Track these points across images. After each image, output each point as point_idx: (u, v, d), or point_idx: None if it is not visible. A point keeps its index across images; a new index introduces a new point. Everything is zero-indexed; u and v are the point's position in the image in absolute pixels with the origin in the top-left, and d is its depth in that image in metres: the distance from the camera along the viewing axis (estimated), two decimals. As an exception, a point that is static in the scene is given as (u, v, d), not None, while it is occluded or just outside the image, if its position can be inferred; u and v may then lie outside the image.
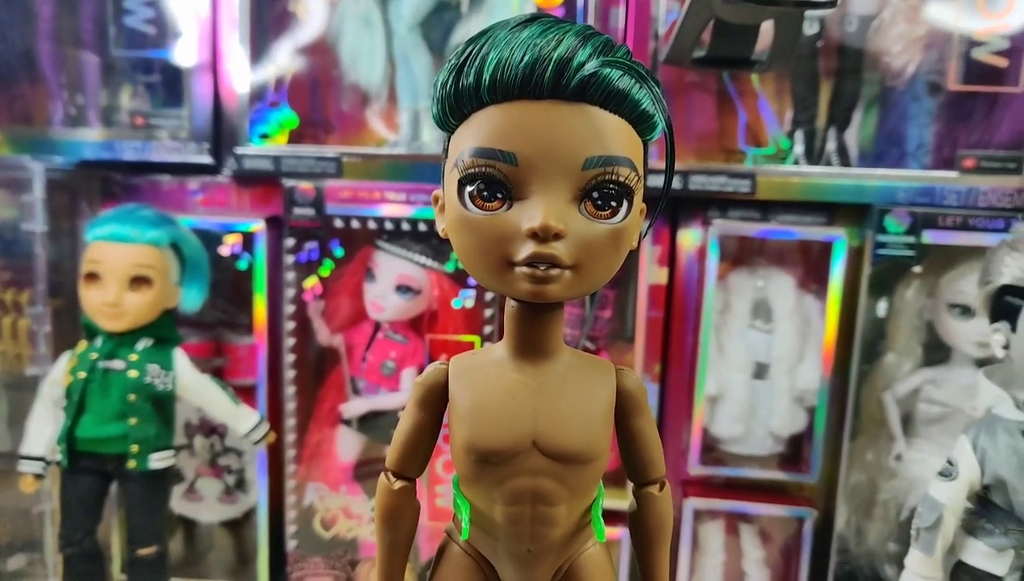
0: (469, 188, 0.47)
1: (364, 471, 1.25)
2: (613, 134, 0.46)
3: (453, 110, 0.48)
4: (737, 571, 1.20)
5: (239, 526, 1.31)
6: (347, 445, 1.24)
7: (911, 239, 1.07)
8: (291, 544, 1.22)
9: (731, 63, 0.83)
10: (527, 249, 0.46)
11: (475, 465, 0.52)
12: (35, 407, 1.05)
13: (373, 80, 1.19)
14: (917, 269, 1.09)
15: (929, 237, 1.07)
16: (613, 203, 0.46)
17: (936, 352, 1.14)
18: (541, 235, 0.45)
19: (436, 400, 0.54)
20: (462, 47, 0.47)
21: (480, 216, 0.47)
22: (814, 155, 1.13)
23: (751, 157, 1.12)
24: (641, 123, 0.47)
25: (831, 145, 1.13)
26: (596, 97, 0.45)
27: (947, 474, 0.81)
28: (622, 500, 1.15)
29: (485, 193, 0.47)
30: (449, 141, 0.50)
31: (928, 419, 1.13)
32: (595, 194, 0.46)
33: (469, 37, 0.47)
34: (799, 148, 1.13)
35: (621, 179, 0.46)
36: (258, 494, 1.22)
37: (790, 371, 1.13)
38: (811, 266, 1.16)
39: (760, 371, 1.14)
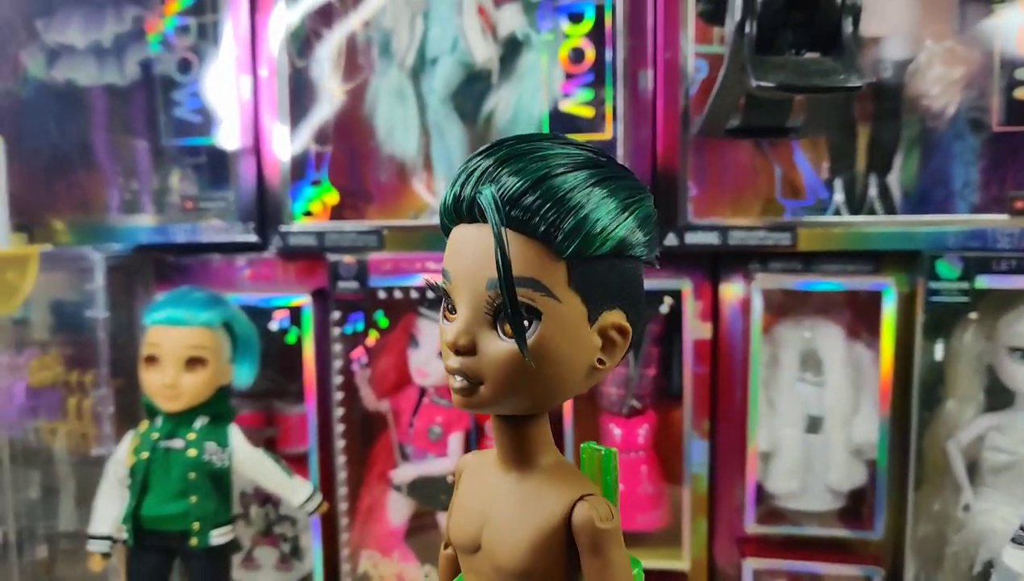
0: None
1: (415, 534, 1.25)
2: (518, 257, 0.46)
3: (444, 225, 0.52)
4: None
5: (297, 593, 1.33)
6: (398, 509, 1.26)
7: (964, 285, 1.04)
8: (348, 612, 1.23)
9: (766, 132, 0.83)
10: (450, 361, 0.50)
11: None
12: (101, 487, 1.09)
13: (409, 151, 1.22)
14: (973, 315, 1.05)
15: (984, 282, 1.04)
16: (519, 322, 0.47)
17: (999, 397, 1.09)
18: (453, 349, 0.49)
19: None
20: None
21: (441, 325, 0.51)
22: (855, 202, 1.11)
23: (790, 209, 1.10)
24: (552, 241, 0.46)
25: (873, 191, 1.11)
26: (502, 221, 0.47)
27: (1021, 541, 0.77)
28: (678, 560, 1.13)
29: (447, 305, 0.51)
30: None
31: (995, 467, 1.09)
32: (501, 314, 0.48)
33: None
34: (839, 196, 1.11)
35: (523, 301, 0.47)
36: (313, 561, 1.24)
37: (845, 423, 1.10)
38: (859, 315, 1.13)
39: (813, 424, 1.11)
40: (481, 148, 0.49)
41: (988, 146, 1.09)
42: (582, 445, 0.55)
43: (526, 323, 0.47)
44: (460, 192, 0.48)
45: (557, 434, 1.16)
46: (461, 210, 0.48)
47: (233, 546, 1.14)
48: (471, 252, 0.48)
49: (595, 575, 0.49)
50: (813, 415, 1.11)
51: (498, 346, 0.48)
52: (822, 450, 1.10)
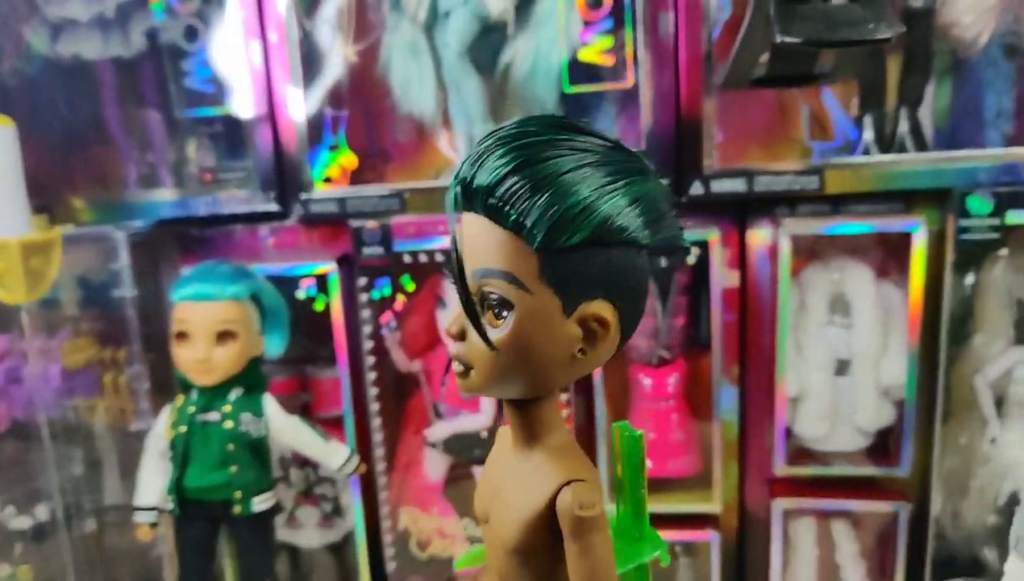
0: None
1: (453, 487, 1.28)
2: (493, 247, 0.47)
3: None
4: (831, 565, 1.19)
5: (340, 549, 1.37)
6: (434, 465, 1.28)
7: (996, 221, 1.02)
8: (390, 566, 1.27)
9: (793, 81, 0.80)
10: (449, 346, 0.52)
11: None
12: (143, 460, 1.12)
13: (427, 108, 1.19)
14: (1004, 252, 1.04)
15: (1015, 217, 1.02)
16: (498, 312, 0.48)
17: (1029, 330, 1.09)
18: (450, 335, 0.51)
19: None
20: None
21: None
22: (885, 140, 1.09)
23: (818, 151, 1.08)
24: (521, 232, 0.46)
25: (903, 126, 1.09)
26: (482, 210, 0.47)
27: None
28: (709, 503, 1.16)
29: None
30: None
31: (1022, 401, 1.09)
32: (486, 303, 0.49)
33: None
34: (868, 134, 1.08)
35: (493, 292, 0.48)
36: (354, 519, 1.27)
37: (874, 365, 1.11)
38: (889, 254, 1.12)
39: (842, 368, 1.11)
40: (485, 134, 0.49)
41: (1022, 73, 1.05)
42: (614, 424, 0.57)
43: (503, 314, 0.48)
44: (455, 180, 0.48)
45: (587, 385, 1.17)
46: (458, 198, 0.49)
47: (275, 510, 1.17)
48: (466, 240, 0.48)
49: (573, 559, 0.50)
50: (842, 358, 1.11)
51: (473, 335, 0.49)
52: (850, 393, 1.11)
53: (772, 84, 0.81)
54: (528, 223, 0.46)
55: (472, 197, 0.47)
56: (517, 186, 0.46)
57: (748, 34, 0.72)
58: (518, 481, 0.53)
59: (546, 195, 0.46)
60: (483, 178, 0.46)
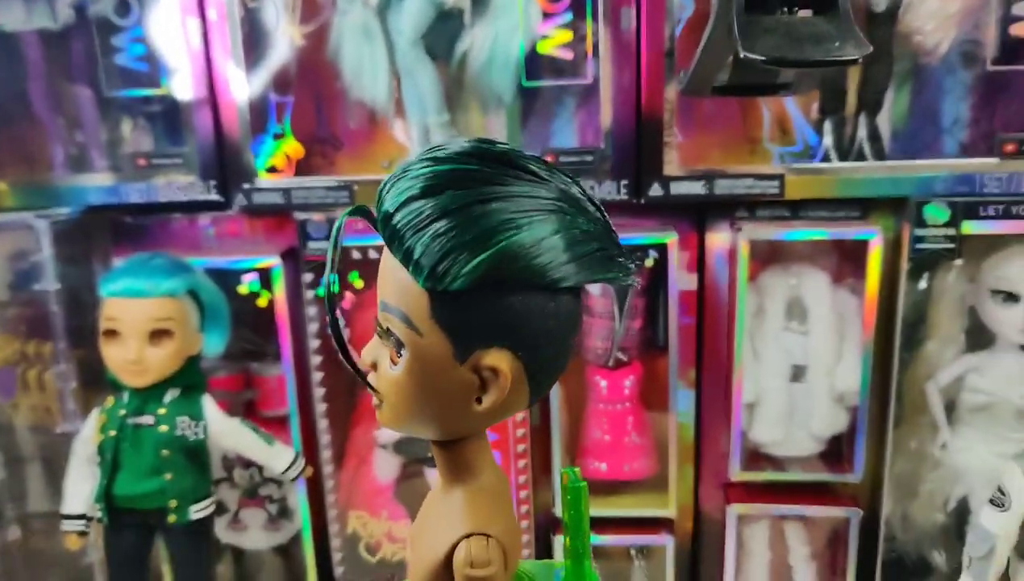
0: None
1: (404, 490, 1.25)
2: (392, 280, 0.45)
3: None
4: (784, 566, 1.20)
5: (287, 551, 1.33)
6: (385, 466, 1.24)
7: (951, 231, 1.02)
8: (338, 571, 1.23)
9: (756, 90, 0.78)
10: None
11: None
12: (70, 466, 1.05)
13: (379, 95, 1.14)
14: (958, 262, 1.04)
15: (970, 227, 1.02)
16: (398, 350, 0.45)
17: (979, 337, 1.10)
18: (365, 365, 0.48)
19: None
20: None
21: None
22: (844, 145, 1.08)
23: (778, 155, 1.07)
24: (408, 270, 0.43)
25: (862, 132, 1.08)
26: (384, 237, 0.44)
27: (999, 504, 0.79)
28: (664, 506, 1.15)
29: None
30: None
31: (973, 407, 1.10)
32: (391, 338, 0.46)
33: None
34: (828, 139, 1.07)
35: (389, 329, 0.45)
36: (301, 523, 1.22)
37: (828, 372, 1.10)
38: (844, 260, 1.12)
39: (797, 374, 1.11)
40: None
41: (980, 83, 1.05)
42: (563, 470, 0.55)
43: (401, 352, 0.45)
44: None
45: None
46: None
47: (213, 518, 1.11)
48: (381, 267, 0.46)
49: None
50: (797, 364, 1.11)
51: (383, 368, 0.46)
52: (805, 399, 1.11)
53: (735, 93, 0.78)
54: (415, 257, 0.42)
55: (380, 221, 0.44)
56: (413, 215, 0.42)
57: (710, 43, 0.69)
58: (431, 522, 0.51)
59: (439, 226, 0.41)
60: (387, 202, 0.43)
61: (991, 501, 0.80)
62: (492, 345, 0.44)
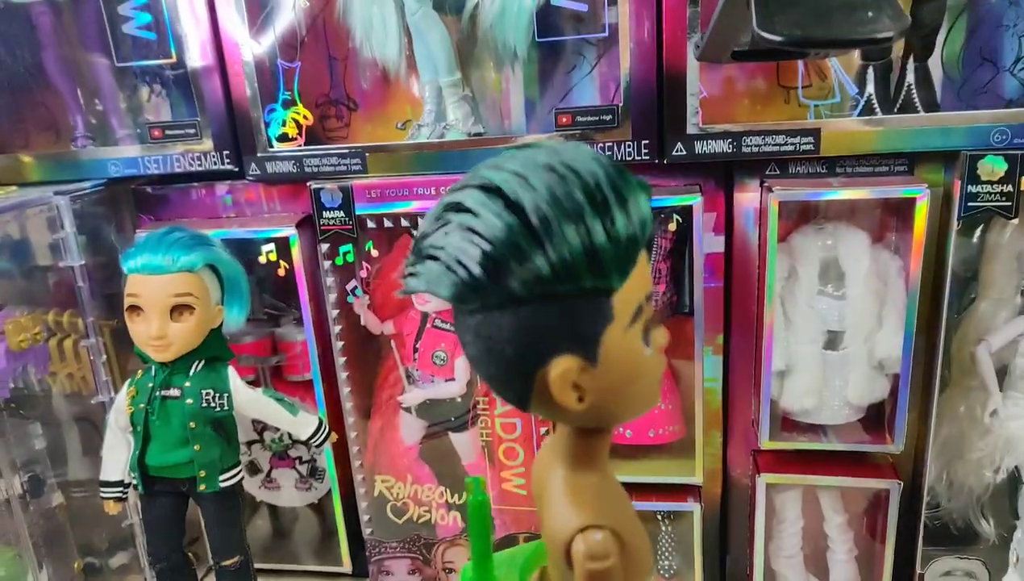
0: None
1: (429, 451, 1.25)
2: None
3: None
4: (819, 533, 1.16)
5: (319, 508, 1.37)
6: (409, 429, 1.25)
7: (1008, 187, 0.93)
8: (367, 531, 1.26)
9: (778, 54, 0.70)
10: None
11: None
12: (106, 436, 1.08)
13: (390, 54, 1.10)
14: (1015, 221, 0.95)
15: (1030, 181, 0.93)
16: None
17: (1037, 298, 1.02)
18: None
19: None
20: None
21: None
22: (891, 93, 0.98)
23: (813, 109, 0.98)
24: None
25: (911, 77, 0.98)
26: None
27: None
28: (689, 475, 1.12)
29: None
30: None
31: (1027, 373, 1.03)
32: None
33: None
34: (871, 89, 0.98)
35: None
36: (331, 486, 1.25)
37: (867, 338, 1.04)
38: (886, 218, 1.04)
39: (833, 340, 1.05)
40: None
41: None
42: (467, 479, 0.57)
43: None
44: None
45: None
46: None
47: (242, 484, 1.14)
48: None
49: None
50: (832, 330, 1.05)
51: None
52: (841, 367, 1.05)
53: (758, 58, 0.70)
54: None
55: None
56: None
57: (726, 10, 0.61)
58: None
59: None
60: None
61: None
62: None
